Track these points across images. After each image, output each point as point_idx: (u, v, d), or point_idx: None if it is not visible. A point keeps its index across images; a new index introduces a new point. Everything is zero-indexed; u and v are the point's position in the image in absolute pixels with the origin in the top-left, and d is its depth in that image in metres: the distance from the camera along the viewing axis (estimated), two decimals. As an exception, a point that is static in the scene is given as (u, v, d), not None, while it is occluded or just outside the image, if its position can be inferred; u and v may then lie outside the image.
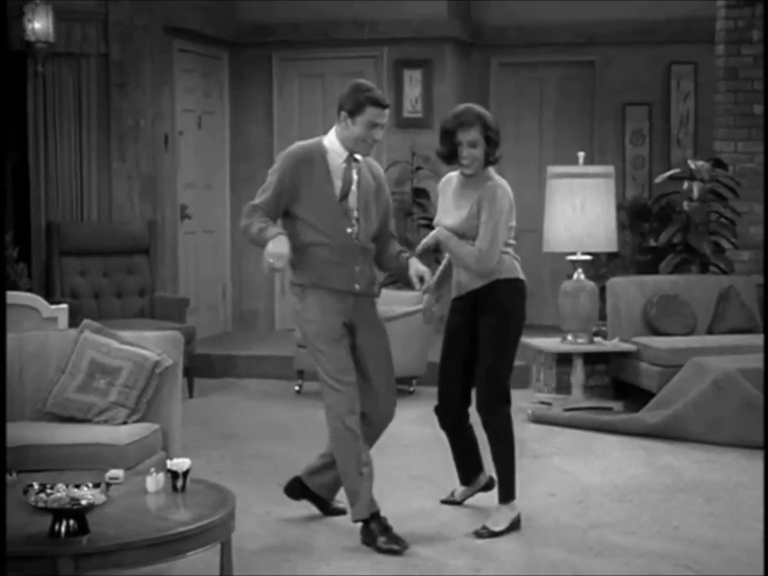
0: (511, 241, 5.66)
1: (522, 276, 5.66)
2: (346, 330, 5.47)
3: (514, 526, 5.61)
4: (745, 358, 7.71)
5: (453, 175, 5.71)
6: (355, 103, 5.29)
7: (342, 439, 5.38)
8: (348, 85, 5.41)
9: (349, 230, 5.39)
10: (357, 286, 5.45)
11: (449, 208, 5.62)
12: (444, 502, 6.04)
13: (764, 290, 8.51)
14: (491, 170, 5.58)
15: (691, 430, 7.45)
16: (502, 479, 5.66)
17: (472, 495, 6.02)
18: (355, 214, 5.41)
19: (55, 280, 9.09)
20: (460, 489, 6.04)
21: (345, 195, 5.39)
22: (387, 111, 5.36)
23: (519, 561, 5.18)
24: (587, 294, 8.35)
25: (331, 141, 5.42)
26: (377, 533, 5.32)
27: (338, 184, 5.38)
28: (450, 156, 5.54)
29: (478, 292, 5.61)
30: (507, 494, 5.64)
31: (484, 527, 5.55)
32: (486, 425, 5.64)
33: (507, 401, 5.64)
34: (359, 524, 5.39)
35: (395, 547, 5.27)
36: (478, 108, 5.56)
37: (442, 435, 6.23)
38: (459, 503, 6.02)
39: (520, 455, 6.20)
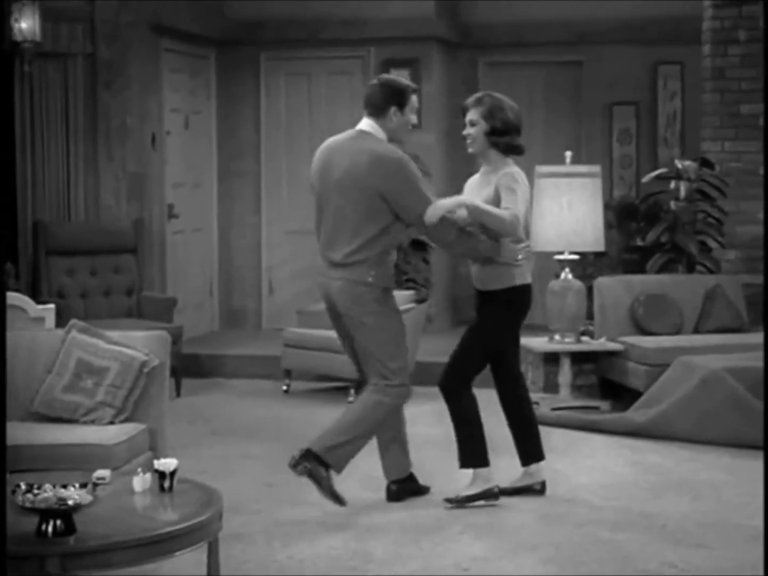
0: (522, 245, 5.89)
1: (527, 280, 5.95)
2: None
3: (487, 495, 5.89)
4: (732, 357, 7.73)
5: (476, 176, 6.10)
6: (403, 96, 5.75)
7: (385, 415, 5.88)
8: (381, 83, 5.82)
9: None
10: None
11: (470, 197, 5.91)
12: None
13: (764, 290, 8.49)
14: (510, 161, 5.93)
15: (678, 429, 7.46)
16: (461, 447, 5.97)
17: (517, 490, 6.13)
18: None
19: (42, 280, 9.06)
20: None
21: None
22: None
23: (506, 559, 5.18)
24: (574, 293, 8.37)
25: (382, 140, 5.73)
26: (329, 480, 5.70)
27: None
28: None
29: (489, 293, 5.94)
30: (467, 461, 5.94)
31: (457, 494, 5.90)
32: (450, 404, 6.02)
33: (467, 386, 5.97)
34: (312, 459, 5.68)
35: (339, 498, 5.73)
36: (494, 95, 5.99)
37: (433, 434, 6.21)
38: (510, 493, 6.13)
39: (509, 453, 6.22)
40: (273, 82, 11.33)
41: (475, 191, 5.95)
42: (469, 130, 5.92)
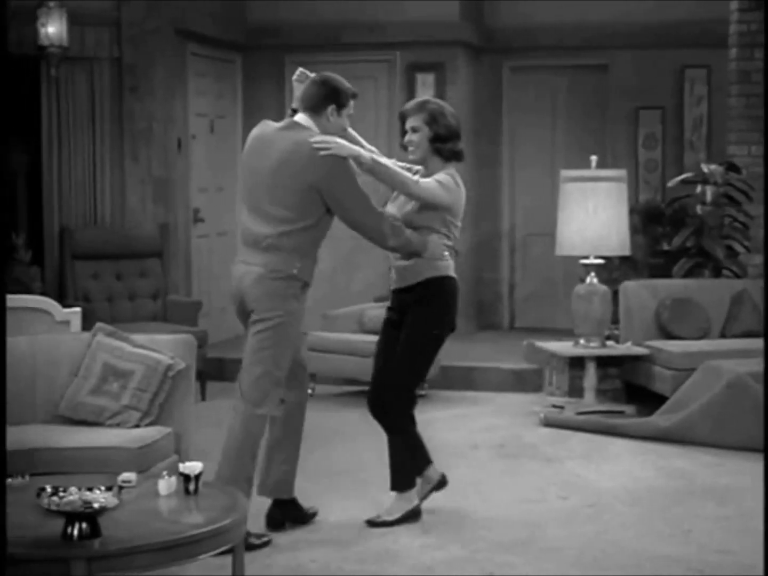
0: (448, 243, 5.69)
1: (453, 274, 5.75)
2: None
3: (409, 517, 5.74)
4: (759, 362, 7.68)
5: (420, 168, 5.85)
6: (344, 97, 5.46)
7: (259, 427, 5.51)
8: (321, 80, 5.54)
9: None
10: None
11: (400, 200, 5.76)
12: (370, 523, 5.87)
13: (764, 291, 8.47)
14: (452, 167, 5.73)
15: (704, 434, 7.43)
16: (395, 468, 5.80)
17: (426, 496, 5.96)
18: None
19: (68, 284, 9.11)
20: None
21: None
22: None
23: (529, 564, 5.17)
24: (600, 297, 8.35)
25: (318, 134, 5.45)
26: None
27: None
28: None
29: (410, 288, 5.70)
30: (401, 483, 5.77)
31: (378, 516, 5.74)
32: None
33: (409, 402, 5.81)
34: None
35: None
36: (434, 101, 5.87)
37: (455, 438, 6.22)
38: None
39: (533, 458, 6.20)
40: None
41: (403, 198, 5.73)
42: (411, 137, 5.70)
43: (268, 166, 5.44)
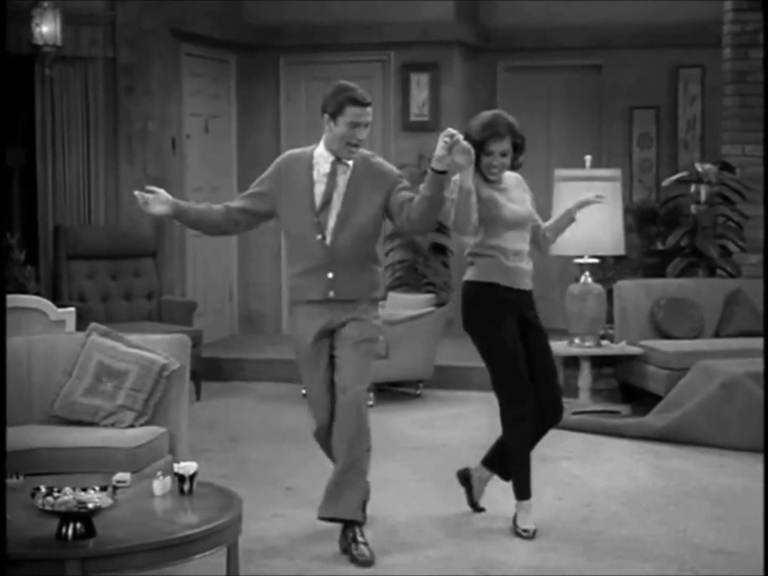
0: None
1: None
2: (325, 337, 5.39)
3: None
4: (753, 362, 7.69)
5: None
6: (336, 105, 5.20)
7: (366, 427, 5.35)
8: (330, 87, 5.33)
9: (318, 237, 5.27)
10: (331, 293, 5.31)
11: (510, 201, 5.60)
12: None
13: (764, 291, 8.47)
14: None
15: (698, 434, 7.44)
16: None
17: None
18: (331, 223, 5.27)
19: (63, 284, 9.10)
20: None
21: (327, 201, 5.28)
22: (369, 109, 5.25)
23: (525, 564, 5.17)
24: (594, 297, 8.35)
25: (320, 147, 5.36)
26: (355, 538, 5.29)
27: (320, 190, 5.29)
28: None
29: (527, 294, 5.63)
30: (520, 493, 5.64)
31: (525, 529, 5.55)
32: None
33: (508, 406, 5.61)
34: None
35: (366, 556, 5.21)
36: (507, 116, 5.61)
37: (450, 438, 6.21)
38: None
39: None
40: (293, 87, 11.34)
41: (519, 201, 5.63)
42: (501, 161, 5.50)
43: None
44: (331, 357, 5.38)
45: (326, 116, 5.25)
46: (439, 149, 4.95)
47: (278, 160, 5.47)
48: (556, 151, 11.35)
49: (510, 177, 5.65)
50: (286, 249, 5.41)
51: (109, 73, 9.58)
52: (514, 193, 5.64)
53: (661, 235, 9.63)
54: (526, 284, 5.60)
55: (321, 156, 5.32)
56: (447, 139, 4.96)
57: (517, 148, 5.56)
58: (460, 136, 5.01)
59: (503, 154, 5.50)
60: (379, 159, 5.45)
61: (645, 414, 7.91)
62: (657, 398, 8.02)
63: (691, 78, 11.08)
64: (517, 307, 5.57)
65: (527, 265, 5.61)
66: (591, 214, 8.25)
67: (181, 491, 4.54)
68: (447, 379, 9.08)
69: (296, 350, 5.46)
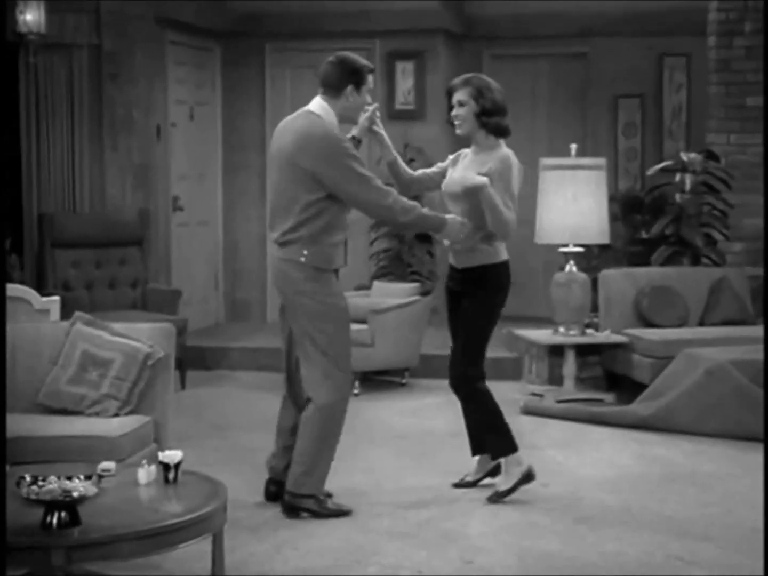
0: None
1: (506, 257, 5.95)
2: None
3: (524, 480, 5.84)
4: (737, 350, 7.72)
5: (467, 150, 6.01)
6: (360, 75, 5.53)
7: (340, 417, 5.59)
8: (338, 61, 5.55)
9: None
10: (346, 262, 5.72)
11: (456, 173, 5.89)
12: (456, 485, 6.10)
13: (764, 283, 8.49)
14: (502, 142, 5.91)
15: (683, 422, 7.46)
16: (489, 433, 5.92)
17: (483, 477, 6.08)
18: None
19: (48, 272, 9.07)
20: (472, 469, 6.12)
21: None
22: None
23: (511, 552, 5.18)
24: (579, 286, 8.36)
25: (330, 119, 5.49)
26: (324, 503, 5.62)
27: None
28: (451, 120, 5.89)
29: (472, 270, 5.85)
30: (502, 448, 5.85)
31: (495, 491, 5.84)
32: (465, 399, 5.93)
33: (482, 377, 5.87)
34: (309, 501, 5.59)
35: (344, 509, 5.60)
36: (480, 76, 5.98)
37: (435, 426, 6.21)
38: (473, 485, 6.09)
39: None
40: (278, 74, 11.32)
41: (464, 168, 5.88)
42: (458, 111, 5.83)
43: (275, 158, 5.61)
44: None
45: (349, 87, 5.50)
46: None
47: (341, 135, 5.53)
48: (541, 139, 11.35)
49: (499, 156, 5.84)
50: (323, 220, 5.47)
51: (93, 60, 9.55)
52: (472, 165, 5.87)
53: (646, 224, 9.65)
54: None
55: (335, 127, 5.54)
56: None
57: (486, 111, 5.80)
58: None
59: (460, 104, 5.80)
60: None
61: (630, 402, 7.92)
62: (642, 386, 8.04)
63: (677, 66, 11.09)
64: None
65: None
66: (576, 202, 8.29)
67: (166, 480, 4.54)
68: (432, 368, 9.08)
69: (338, 311, 5.59)
